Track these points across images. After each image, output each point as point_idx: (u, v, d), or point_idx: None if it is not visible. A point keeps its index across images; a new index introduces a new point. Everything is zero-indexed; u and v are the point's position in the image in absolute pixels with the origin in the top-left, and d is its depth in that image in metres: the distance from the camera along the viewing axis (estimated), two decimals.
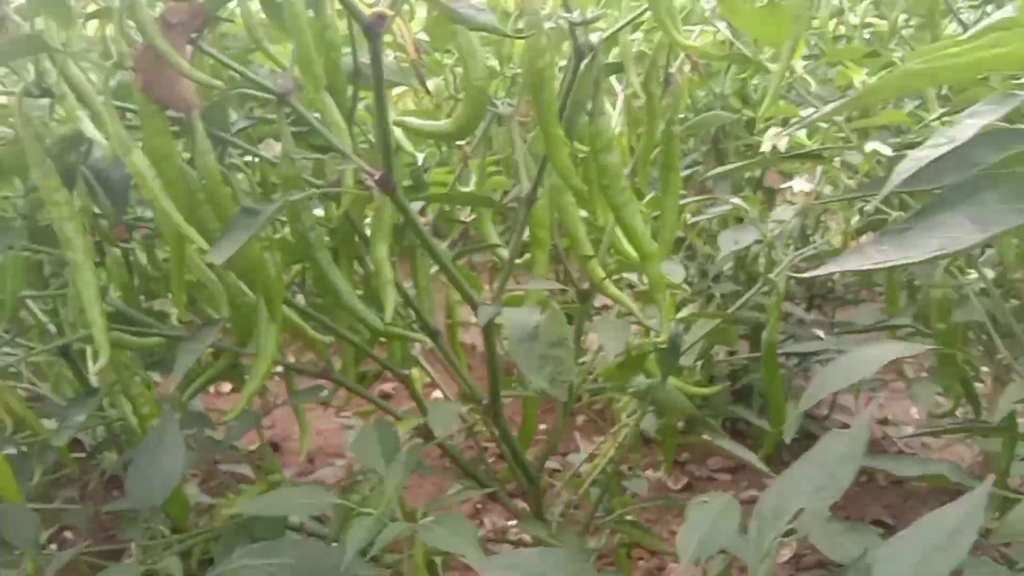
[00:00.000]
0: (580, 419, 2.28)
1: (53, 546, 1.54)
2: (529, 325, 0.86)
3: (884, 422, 2.50)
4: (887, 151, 1.09)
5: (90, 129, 0.79)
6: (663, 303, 0.92)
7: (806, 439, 2.10)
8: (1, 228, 0.92)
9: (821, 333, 2.08)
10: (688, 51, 0.91)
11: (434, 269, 1.20)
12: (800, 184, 1.41)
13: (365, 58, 0.97)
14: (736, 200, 1.32)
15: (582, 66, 0.87)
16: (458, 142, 1.07)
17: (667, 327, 0.92)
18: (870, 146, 1.06)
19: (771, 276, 1.28)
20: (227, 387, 2.52)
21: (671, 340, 1.13)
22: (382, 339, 1.18)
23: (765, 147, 1.07)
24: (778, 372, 1.31)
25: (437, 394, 2.42)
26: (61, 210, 0.84)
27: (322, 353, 1.32)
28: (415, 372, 1.54)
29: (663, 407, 1.28)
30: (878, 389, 2.40)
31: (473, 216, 1.26)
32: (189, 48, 0.80)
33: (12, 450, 1.01)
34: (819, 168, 1.16)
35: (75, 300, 1.02)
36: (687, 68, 0.90)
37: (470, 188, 1.25)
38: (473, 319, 0.96)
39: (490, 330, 1.02)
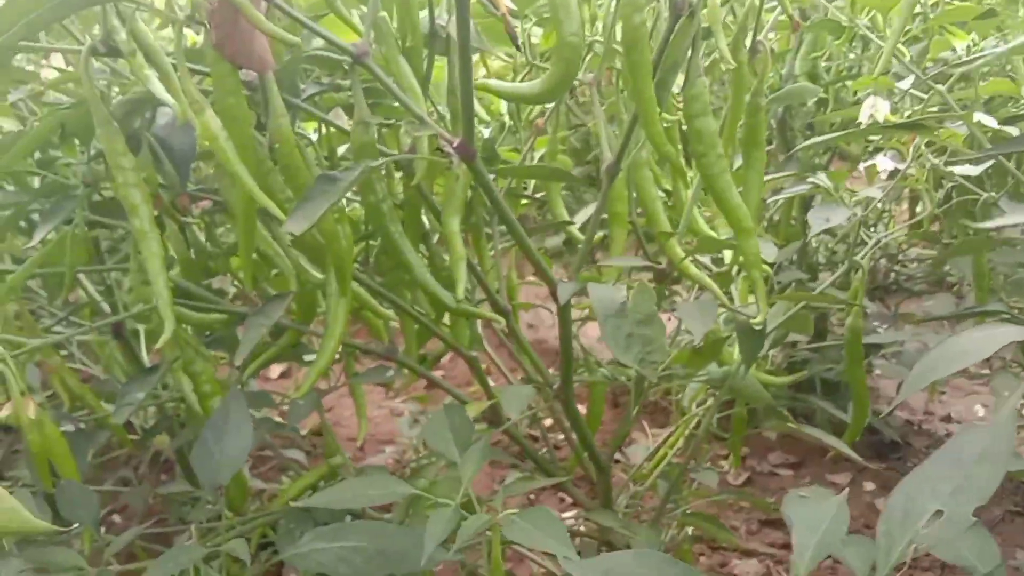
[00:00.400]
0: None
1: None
2: (616, 301, 0.80)
3: (947, 419, 2.40)
4: (992, 122, 1.01)
5: (159, 89, 0.75)
6: (759, 282, 0.86)
7: (868, 433, 2.02)
8: (63, 197, 0.88)
9: (882, 325, 2.00)
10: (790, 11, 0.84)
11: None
12: (885, 162, 1.33)
13: (440, 20, 0.93)
14: (819, 178, 1.25)
15: (677, 26, 0.81)
16: (546, 104, 1.02)
17: (763, 308, 0.85)
18: (977, 116, 0.98)
19: (856, 258, 1.21)
20: (275, 372, 2.51)
21: (754, 324, 1.06)
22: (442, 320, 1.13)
23: (862, 117, 1.00)
24: (862, 361, 1.24)
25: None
26: (127, 175, 0.80)
27: (380, 335, 1.28)
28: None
29: (741, 396, 1.21)
30: (940, 385, 2.32)
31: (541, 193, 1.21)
32: (263, 3, 0.75)
33: (70, 427, 0.98)
34: (912, 144, 1.09)
35: (136, 272, 0.98)
36: (788, 30, 0.83)
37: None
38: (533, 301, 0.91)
39: (565, 310, 0.97)
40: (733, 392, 1.20)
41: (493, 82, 0.87)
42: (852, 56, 1.87)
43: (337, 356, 1.35)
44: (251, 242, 0.87)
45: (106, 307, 1.49)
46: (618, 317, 0.79)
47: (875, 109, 0.99)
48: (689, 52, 0.82)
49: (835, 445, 1.14)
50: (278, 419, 1.23)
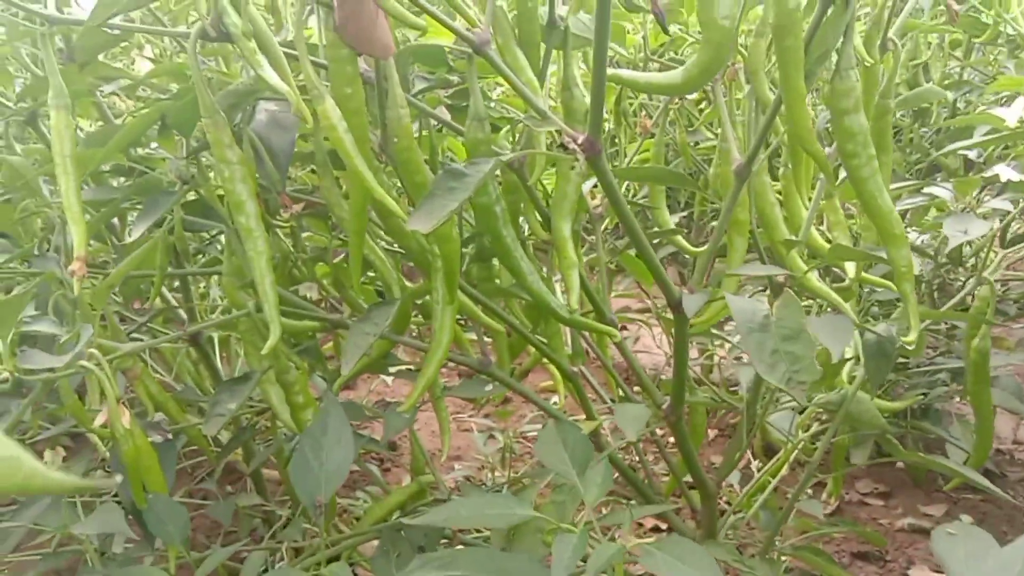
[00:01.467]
0: (712, 433, 2.13)
1: None
2: (759, 314, 0.73)
3: None
4: None
5: (271, 76, 0.70)
6: (911, 296, 0.78)
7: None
8: (159, 193, 0.84)
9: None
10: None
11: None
12: (1008, 172, 1.24)
13: (561, 10, 0.87)
14: (942, 188, 1.16)
15: (828, 12, 0.74)
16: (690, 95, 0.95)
17: (915, 326, 0.77)
18: None
19: (985, 274, 1.12)
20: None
21: (882, 344, 0.98)
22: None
23: (1011, 120, 0.92)
24: (988, 384, 1.14)
25: (554, 399, 2.32)
26: (233, 170, 0.75)
27: (466, 348, 1.22)
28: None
29: (856, 422, 1.13)
30: None
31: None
32: None
33: (157, 437, 0.93)
34: None
35: (230, 276, 0.94)
36: (945, 19, 0.75)
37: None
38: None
39: (683, 324, 0.90)
40: (849, 418, 1.12)
41: (626, 72, 0.80)
42: (951, 64, 1.78)
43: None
44: (361, 241, 0.82)
45: (183, 314, 1.46)
46: (762, 332, 0.72)
47: None
48: (840, 42, 0.74)
49: (968, 475, 1.04)
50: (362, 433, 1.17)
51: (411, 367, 1.20)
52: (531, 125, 0.77)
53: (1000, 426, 2.23)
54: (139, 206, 1.06)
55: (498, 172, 1.02)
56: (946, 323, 1.89)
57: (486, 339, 1.13)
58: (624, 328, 2.46)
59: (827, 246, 1.04)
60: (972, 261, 1.74)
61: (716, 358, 1.98)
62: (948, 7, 0.80)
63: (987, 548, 0.69)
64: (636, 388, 1.38)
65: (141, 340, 1.36)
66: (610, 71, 0.76)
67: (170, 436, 0.94)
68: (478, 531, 1.07)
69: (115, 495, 0.96)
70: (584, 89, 0.91)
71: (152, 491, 0.87)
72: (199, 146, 0.86)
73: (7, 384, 0.67)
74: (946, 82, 1.71)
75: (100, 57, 1.01)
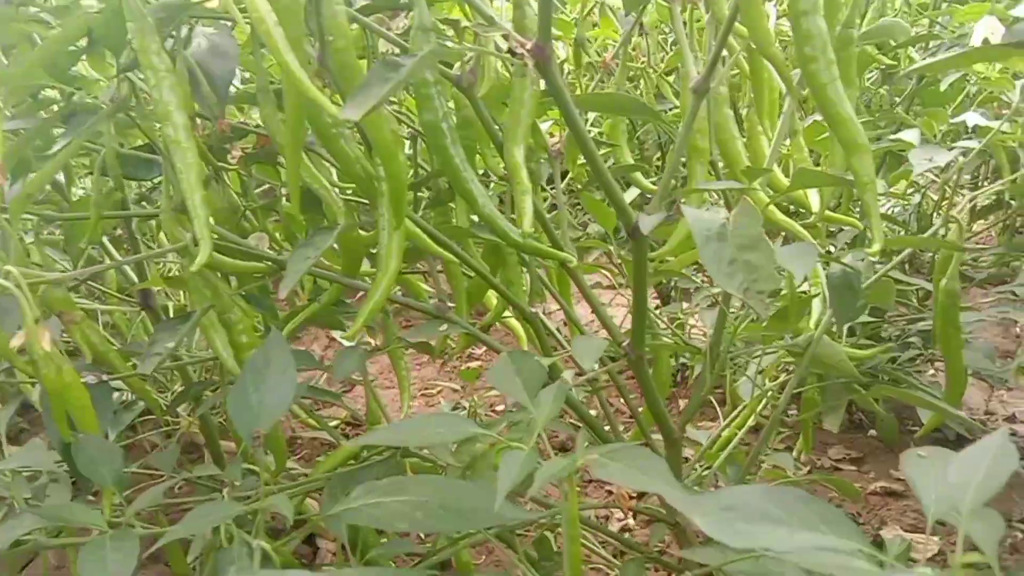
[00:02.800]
0: (683, 404, 2.10)
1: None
2: (716, 223, 0.70)
3: (1012, 419, 2.26)
4: None
5: None
6: (873, 206, 0.75)
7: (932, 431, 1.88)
8: (86, 112, 0.79)
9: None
10: None
11: None
12: (974, 118, 1.22)
13: None
14: (907, 134, 1.14)
15: None
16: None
17: (878, 237, 0.74)
18: None
19: (952, 213, 1.10)
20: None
21: (849, 278, 0.95)
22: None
23: (975, 40, 0.89)
24: (958, 328, 1.12)
25: None
26: (160, 77, 0.71)
27: (421, 297, 1.18)
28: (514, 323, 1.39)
29: (823, 366, 1.10)
30: (1000, 386, 2.19)
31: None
32: None
33: (92, 379, 0.89)
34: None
35: (167, 202, 0.89)
36: None
37: None
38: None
39: (642, 247, 0.86)
40: (816, 361, 1.09)
41: None
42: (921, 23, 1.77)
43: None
44: (298, 160, 0.78)
45: (132, 275, 1.41)
46: (719, 241, 0.68)
47: (990, 31, 0.88)
48: None
49: (943, 408, 1.01)
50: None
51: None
52: (478, 31, 0.73)
53: (972, 396, 2.23)
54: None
55: (452, 102, 0.99)
56: (917, 288, 1.88)
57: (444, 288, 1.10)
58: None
59: (785, 182, 1.01)
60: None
61: (687, 328, 1.95)
62: None
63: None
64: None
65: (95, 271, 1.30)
66: None
67: (104, 378, 0.90)
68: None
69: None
70: (535, 7, 0.88)
71: (84, 431, 0.82)
72: (130, 63, 0.82)
73: None
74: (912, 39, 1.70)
75: None
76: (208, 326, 0.98)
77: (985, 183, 2.20)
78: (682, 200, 0.87)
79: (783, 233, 0.99)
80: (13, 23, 0.91)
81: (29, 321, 0.68)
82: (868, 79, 1.92)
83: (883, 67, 1.72)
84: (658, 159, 2.12)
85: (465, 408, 1.78)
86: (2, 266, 0.66)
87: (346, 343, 0.85)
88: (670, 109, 1.47)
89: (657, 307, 2.16)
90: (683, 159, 0.93)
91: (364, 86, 0.61)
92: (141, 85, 0.86)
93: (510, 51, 0.73)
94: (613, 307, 2.09)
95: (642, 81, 1.48)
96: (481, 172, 1.05)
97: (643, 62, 1.40)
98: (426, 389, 2.18)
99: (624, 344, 0.95)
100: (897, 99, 1.73)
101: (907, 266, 2.06)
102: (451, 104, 0.91)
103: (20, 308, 0.68)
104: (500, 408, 1.98)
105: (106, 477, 0.79)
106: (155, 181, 1.12)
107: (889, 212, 2.11)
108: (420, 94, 0.77)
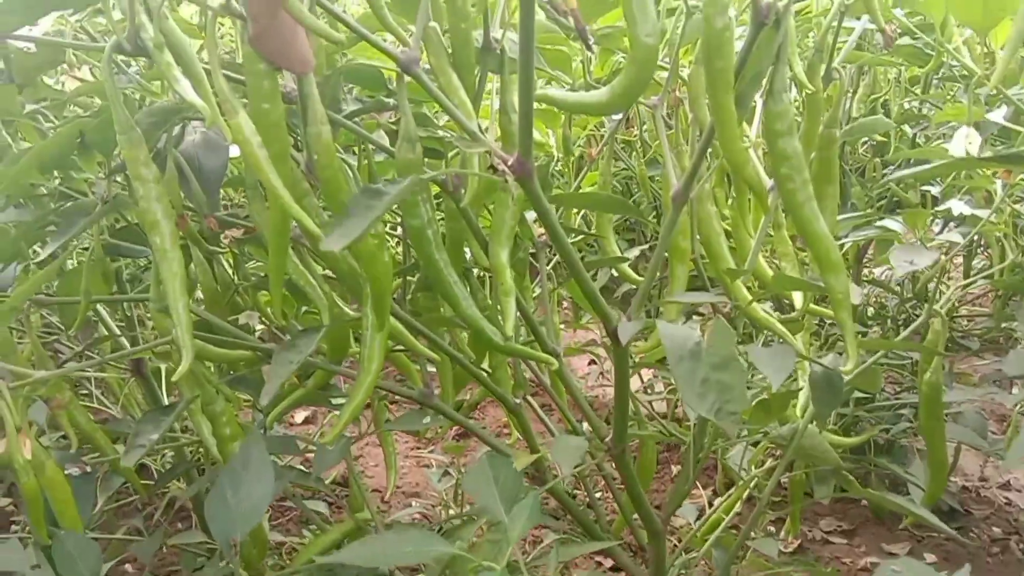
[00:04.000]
0: (675, 469, 2.09)
1: None
2: (690, 341, 0.70)
3: (1006, 486, 2.25)
4: None
5: (187, 90, 0.67)
6: (849, 325, 0.76)
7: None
8: (78, 211, 0.81)
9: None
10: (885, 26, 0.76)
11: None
12: (960, 206, 1.23)
13: (494, 33, 0.86)
14: (892, 222, 1.16)
15: (759, 35, 0.73)
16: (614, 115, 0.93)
17: (853, 356, 0.75)
18: None
19: (935, 307, 1.11)
20: (299, 416, 2.41)
21: (830, 377, 0.96)
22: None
23: (954, 150, 0.91)
24: (941, 420, 1.12)
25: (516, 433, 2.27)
26: (148, 188, 0.72)
27: (413, 378, 1.19)
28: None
29: (807, 457, 1.10)
30: (997, 453, 2.18)
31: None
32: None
33: (76, 471, 0.89)
34: (1006, 178, 0.99)
35: (157, 301, 0.90)
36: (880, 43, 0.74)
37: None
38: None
39: (623, 354, 0.87)
40: (799, 452, 1.09)
41: (554, 91, 0.79)
42: (910, 100, 1.79)
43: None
44: (282, 266, 0.79)
45: (125, 343, 1.41)
46: (692, 360, 0.69)
47: (968, 141, 0.90)
48: (772, 65, 0.73)
49: (919, 513, 1.01)
50: (302, 467, 1.13)
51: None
52: (462, 147, 0.75)
53: (966, 463, 2.22)
54: None
55: (439, 199, 1.00)
56: (911, 359, 1.88)
57: (431, 370, 1.10)
58: (593, 362, 2.43)
59: (790, 275, 1.02)
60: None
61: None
62: (883, 32, 0.79)
63: None
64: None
65: (77, 369, 1.31)
66: (539, 91, 0.75)
67: (88, 469, 0.90)
68: (415, 570, 1.03)
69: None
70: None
71: (65, 526, 0.83)
72: (120, 165, 0.83)
73: None
74: (905, 116, 1.72)
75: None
76: (194, 411, 0.99)
77: (978, 251, 2.21)
78: (659, 309, 0.88)
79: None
80: (11, 100, 0.93)
81: (11, 431, 0.69)
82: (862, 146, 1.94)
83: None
84: (654, 218, 2.14)
85: (453, 474, 1.78)
86: None
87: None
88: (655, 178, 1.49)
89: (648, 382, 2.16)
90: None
91: (347, 215, 0.62)
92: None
93: (491, 167, 0.74)
94: (608, 362, 2.09)
95: (633, 154, 1.50)
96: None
97: (633, 134, 1.43)
98: (416, 448, 2.18)
99: (606, 439, 0.95)
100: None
101: (901, 328, 2.06)
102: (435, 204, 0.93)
103: (2, 416, 0.69)
104: None
105: (84, 575, 0.79)
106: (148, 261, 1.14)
107: (883, 278, 2.12)
108: (406, 201, 0.78)
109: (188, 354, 0.72)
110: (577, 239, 1.21)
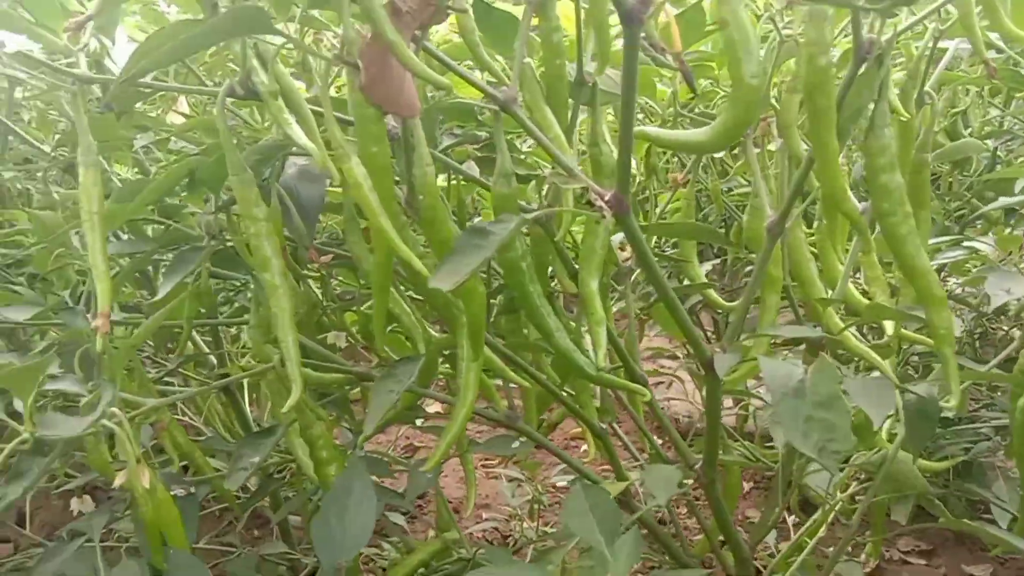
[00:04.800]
0: (747, 485, 2.07)
1: None
2: (793, 379, 0.70)
3: None
4: None
5: (299, 135, 0.70)
6: (951, 360, 0.75)
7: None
8: (189, 248, 0.84)
9: None
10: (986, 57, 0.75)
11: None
12: None
13: (589, 67, 0.87)
14: (982, 243, 1.13)
15: (860, 70, 0.73)
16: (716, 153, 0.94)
17: (956, 391, 0.74)
18: None
19: None
20: None
21: (925, 406, 0.95)
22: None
23: None
24: None
25: (584, 447, 2.28)
26: (259, 227, 0.75)
27: (495, 399, 1.20)
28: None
29: (896, 483, 1.08)
30: None
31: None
32: (412, 45, 0.70)
33: (180, 491, 0.93)
34: None
35: (256, 329, 0.93)
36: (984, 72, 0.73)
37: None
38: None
39: (715, 384, 0.87)
40: (888, 479, 1.08)
41: (653, 130, 0.79)
42: (991, 112, 1.75)
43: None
44: (385, 302, 0.81)
45: (214, 360, 1.46)
46: (796, 398, 0.69)
47: None
48: (874, 101, 0.73)
49: (1011, 542, 0.99)
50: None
51: (440, 413, 1.19)
52: (558, 183, 0.76)
53: None
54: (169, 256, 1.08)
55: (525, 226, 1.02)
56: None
57: (512, 389, 1.12)
58: (658, 376, 2.43)
59: (865, 302, 1.01)
60: (1015, 308, 1.69)
61: (752, 408, 1.94)
62: (985, 63, 0.78)
63: None
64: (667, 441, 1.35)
65: (172, 386, 1.36)
66: (638, 128, 0.75)
67: (192, 490, 0.94)
68: None
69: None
70: (612, 145, 0.90)
71: (173, 546, 0.86)
72: (227, 201, 0.87)
73: (27, 445, 0.67)
74: (986, 130, 1.68)
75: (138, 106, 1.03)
76: (291, 433, 1.02)
77: None
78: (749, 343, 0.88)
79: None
80: (111, 129, 0.98)
81: (131, 462, 0.72)
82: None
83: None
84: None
85: (526, 487, 1.79)
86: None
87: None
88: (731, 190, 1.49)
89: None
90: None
91: (454, 255, 0.64)
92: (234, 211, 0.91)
93: (589, 202, 0.75)
94: (679, 373, 2.08)
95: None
96: None
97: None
98: (485, 460, 2.20)
99: (696, 467, 0.96)
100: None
101: (978, 342, 2.01)
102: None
103: (121, 447, 0.72)
104: (562, 483, 1.98)
105: None
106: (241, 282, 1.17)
107: (959, 291, 2.07)
108: None
109: (297, 387, 0.75)
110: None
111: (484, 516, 1.91)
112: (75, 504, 1.11)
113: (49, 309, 0.91)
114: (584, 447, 2.35)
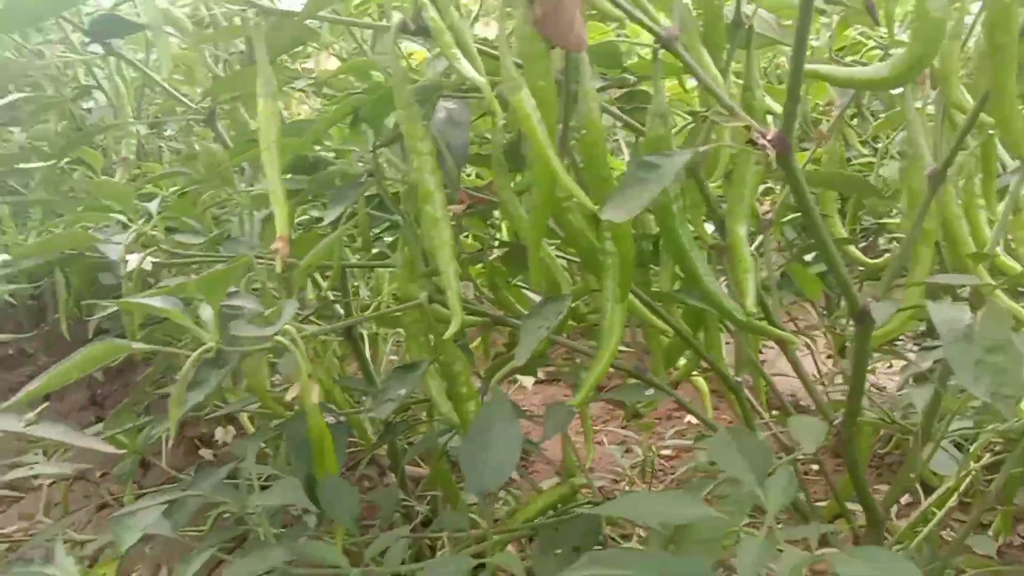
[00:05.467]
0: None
1: None
2: (961, 323, 0.69)
3: None
4: None
5: (467, 69, 0.72)
6: None
7: None
8: (348, 184, 0.87)
9: None
10: None
11: None
12: None
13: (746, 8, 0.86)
14: None
15: None
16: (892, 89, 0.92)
17: None
18: None
19: None
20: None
21: None
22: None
23: None
24: None
25: (689, 418, 2.26)
26: (423, 161, 0.78)
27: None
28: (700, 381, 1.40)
29: None
30: None
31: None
32: None
33: (331, 419, 0.97)
34: None
35: (404, 268, 0.96)
36: None
37: None
38: None
39: (866, 334, 0.86)
40: None
41: (824, 67, 0.78)
42: None
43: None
44: (541, 239, 0.83)
45: (339, 309, 1.51)
46: (965, 341, 0.68)
47: None
48: None
49: None
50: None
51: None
52: (718, 121, 0.76)
53: None
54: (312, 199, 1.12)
55: None
56: None
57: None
58: (760, 352, 2.39)
59: (1015, 266, 0.98)
60: None
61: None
62: None
63: None
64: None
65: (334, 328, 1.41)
66: (809, 66, 0.74)
67: (342, 419, 0.98)
68: (625, 536, 1.06)
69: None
70: (764, 89, 0.90)
71: (323, 469, 0.90)
72: (385, 140, 0.89)
73: (211, 354, 0.71)
74: None
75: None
76: (428, 375, 1.05)
77: None
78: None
79: None
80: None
81: (304, 376, 0.76)
82: None
83: None
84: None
85: (635, 451, 1.80)
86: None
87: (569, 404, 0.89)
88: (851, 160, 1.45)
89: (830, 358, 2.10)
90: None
91: (623, 188, 0.65)
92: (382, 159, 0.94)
93: (750, 141, 0.75)
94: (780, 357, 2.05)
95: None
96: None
97: None
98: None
99: (835, 423, 0.94)
100: None
101: None
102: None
103: (295, 362, 0.76)
104: (665, 452, 1.98)
105: (344, 517, 0.87)
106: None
107: None
108: None
109: (457, 317, 0.77)
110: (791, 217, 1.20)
111: (591, 477, 1.92)
112: (219, 434, 1.18)
113: (209, 242, 0.96)
114: (688, 418, 2.34)
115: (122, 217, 0.99)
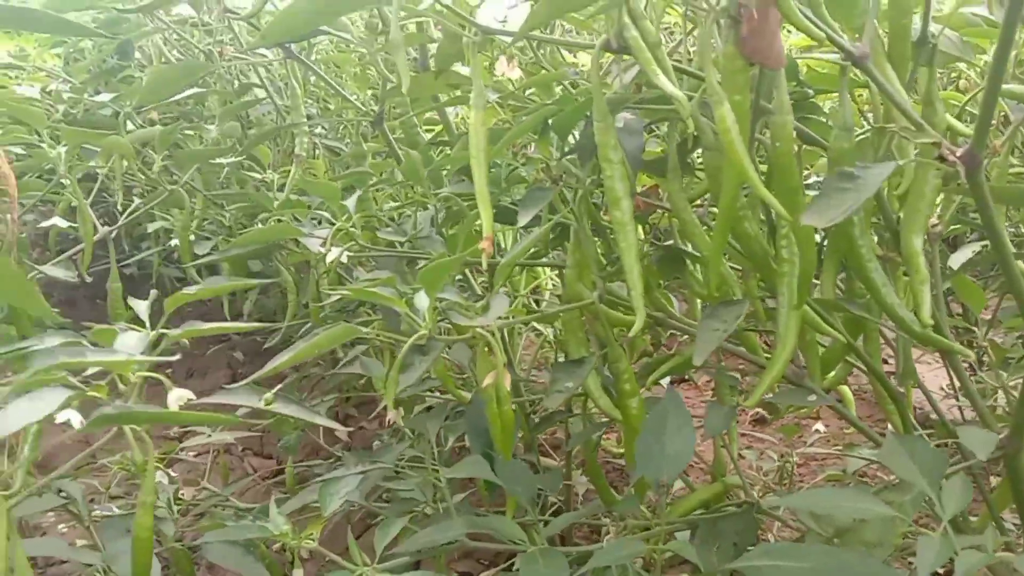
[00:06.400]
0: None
1: None
2: None
3: None
4: None
5: (667, 85, 0.77)
6: None
7: None
8: (538, 190, 0.94)
9: None
10: None
11: None
12: None
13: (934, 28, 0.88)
14: None
15: None
16: None
17: None
18: None
19: None
20: None
21: None
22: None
23: None
24: None
25: (816, 425, 2.26)
26: (614, 168, 0.84)
27: (758, 354, 1.24)
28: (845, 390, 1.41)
29: None
30: None
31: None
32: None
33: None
34: None
35: (573, 268, 1.02)
36: None
37: None
38: None
39: None
40: None
41: (1012, 87, 0.80)
42: None
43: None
44: (723, 246, 0.87)
45: None
46: None
47: None
48: None
49: None
50: None
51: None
52: (906, 136, 0.79)
53: None
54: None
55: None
56: None
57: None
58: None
59: None
60: None
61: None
62: None
63: None
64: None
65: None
66: (1006, 86, 0.76)
67: (514, 407, 1.04)
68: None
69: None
70: (944, 105, 0.91)
71: (501, 450, 0.97)
72: (571, 149, 0.96)
73: (423, 340, 0.79)
74: None
75: None
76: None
77: None
78: None
79: None
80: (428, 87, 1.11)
81: (500, 365, 0.83)
82: None
83: None
84: None
85: (771, 455, 1.80)
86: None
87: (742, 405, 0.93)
88: None
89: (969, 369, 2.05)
90: None
91: (822, 197, 0.69)
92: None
93: (940, 157, 0.77)
94: (920, 363, 2.01)
95: None
96: None
97: None
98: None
99: (1001, 436, 0.95)
100: None
101: None
102: None
103: (494, 354, 0.83)
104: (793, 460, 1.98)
105: (522, 495, 0.93)
106: None
107: None
108: None
109: (641, 315, 0.83)
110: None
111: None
112: (391, 415, 1.26)
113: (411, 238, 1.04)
114: (816, 426, 2.33)
115: (326, 213, 1.09)
